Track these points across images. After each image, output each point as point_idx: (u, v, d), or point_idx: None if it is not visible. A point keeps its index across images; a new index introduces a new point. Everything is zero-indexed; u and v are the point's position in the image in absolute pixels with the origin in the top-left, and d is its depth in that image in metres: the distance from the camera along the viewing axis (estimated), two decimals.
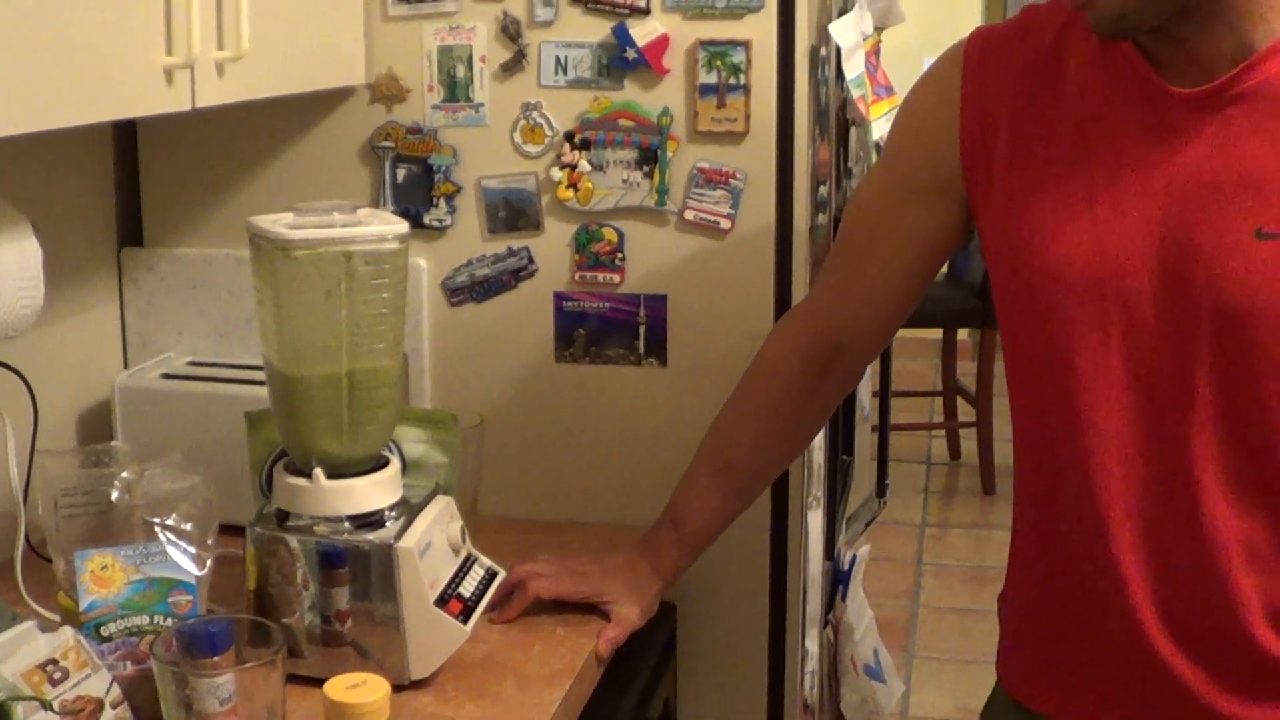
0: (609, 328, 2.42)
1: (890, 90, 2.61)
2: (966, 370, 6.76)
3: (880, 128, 2.49)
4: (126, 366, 2.58)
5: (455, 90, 2.41)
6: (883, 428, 3.14)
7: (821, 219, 2.44)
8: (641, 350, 2.42)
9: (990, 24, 1.89)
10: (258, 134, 2.49)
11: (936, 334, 6.72)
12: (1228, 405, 1.66)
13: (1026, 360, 1.82)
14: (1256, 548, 1.68)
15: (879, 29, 2.64)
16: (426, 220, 2.44)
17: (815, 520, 2.48)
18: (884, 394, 3.13)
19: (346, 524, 1.85)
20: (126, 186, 2.58)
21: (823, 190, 2.44)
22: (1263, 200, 1.61)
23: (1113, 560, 1.73)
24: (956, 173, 1.83)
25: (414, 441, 2.12)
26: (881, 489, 3.09)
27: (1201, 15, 1.62)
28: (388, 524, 1.86)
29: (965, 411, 6.63)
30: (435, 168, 2.43)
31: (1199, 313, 1.64)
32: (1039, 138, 1.76)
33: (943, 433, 6.93)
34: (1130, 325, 1.68)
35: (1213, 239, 1.62)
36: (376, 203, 2.44)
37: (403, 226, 1.86)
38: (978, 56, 1.85)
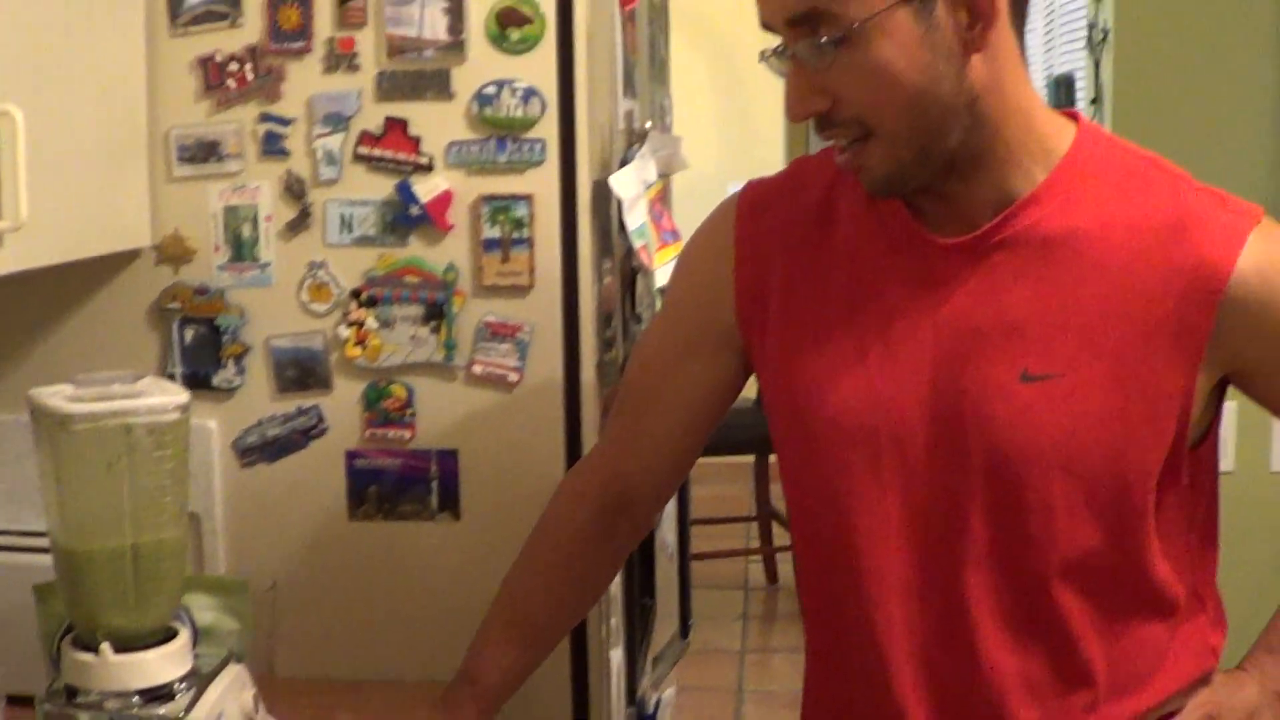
0: (401, 484, 2.41)
1: (676, 235, 2.64)
2: (780, 494, 6.78)
3: (665, 274, 2.52)
4: None
5: (241, 250, 2.40)
6: (683, 568, 3.15)
7: (610, 368, 2.46)
8: (434, 505, 2.41)
9: (762, 177, 1.93)
10: (42, 300, 2.46)
11: (750, 459, 6.77)
12: (1000, 544, 1.70)
13: (806, 506, 1.86)
14: (1035, 681, 1.72)
15: (664, 175, 2.68)
16: (215, 381, 2.42)
17: (616, 665, 2.48)
18: (683, 532, 3.14)
19: (136, 699, 1.81)
20: None
21: (610, 339, 2.47)
22: (1027, 344, 1.67)
23: (895, 697, 1.76)
24: (733, 326, 1.87)
25: (204, 609, 2.09)
26: (685, 629, 3.09)
27: (965, 169, 1.67)
28: (178, 697, 1.83)
29: (781, 535, 6.66)
30: (223, 328, 2.41)
31: (970, 456, 1.68)
32: (811, 289, 1.80)
33: (759, 557, 6.96)
34: (905, 470, 1.72)
35: (980, 383, 1.67)
36: (165, 365, 2.42)
37: (183, 397, 1.84)
38: (749, 210, 1.89)
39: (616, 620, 2.49)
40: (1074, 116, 1.79)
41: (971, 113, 1.65)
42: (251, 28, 2.37)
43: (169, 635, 1.88)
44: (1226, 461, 3.50)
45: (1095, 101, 5.84)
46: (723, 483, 6.85)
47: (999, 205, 1.70)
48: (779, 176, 1.93)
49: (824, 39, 1.59)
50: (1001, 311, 1.69)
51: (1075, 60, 6.32)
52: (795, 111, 1.66)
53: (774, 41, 1.68)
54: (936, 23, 1.60)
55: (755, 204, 1.90)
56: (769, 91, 8.10)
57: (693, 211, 2.02)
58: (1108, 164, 1.74)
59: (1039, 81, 7.16)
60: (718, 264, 1.88)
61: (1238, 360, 1.71)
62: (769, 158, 8.07)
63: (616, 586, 2.45)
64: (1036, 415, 1.66)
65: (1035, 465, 1.67)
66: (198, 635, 2.02)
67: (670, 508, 2.92)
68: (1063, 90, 6.06)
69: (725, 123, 8.09)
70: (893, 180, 1.67)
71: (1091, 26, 5.80)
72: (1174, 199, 1.71)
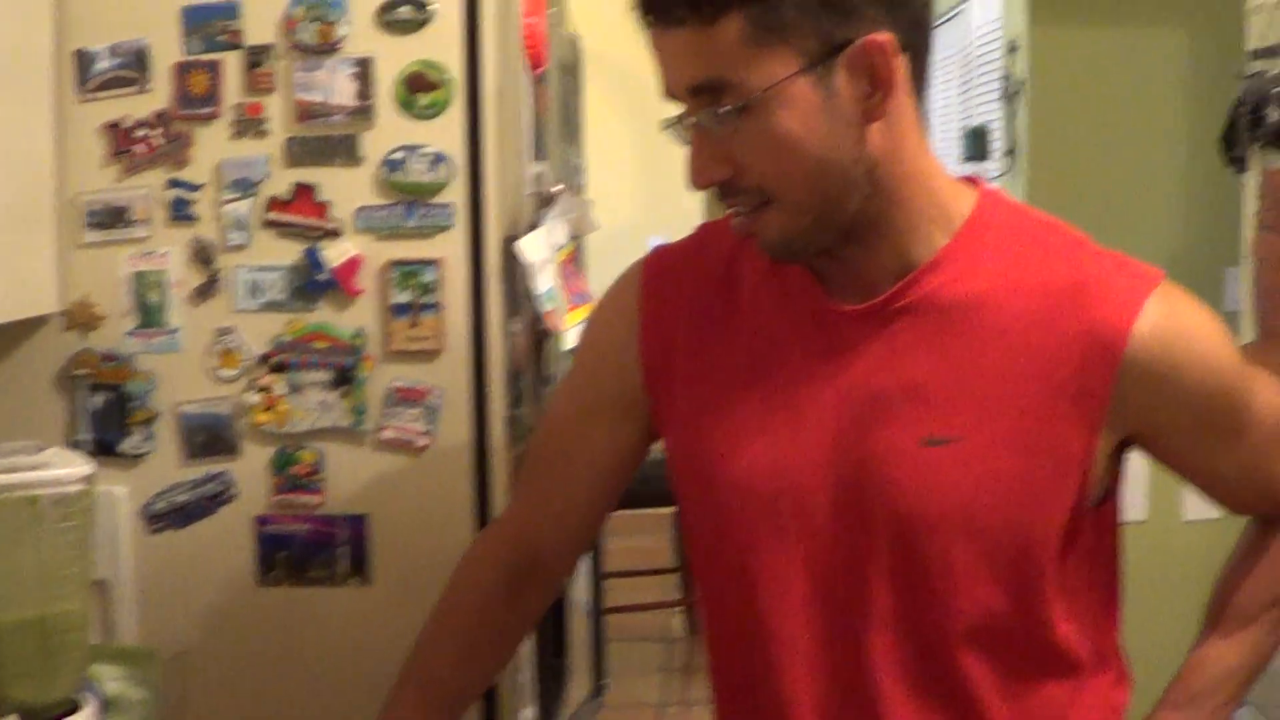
0: (311, 549, 2.40)
1: (586, 297, 2.65)
2: None
3: (575, 337, 2.53)
4: None
5: (150, 316, 2.39)
6: (596, 624, 3.15)
7: (520, 431, 2.46)
8: (344, 571, 2.40)
9: (668, 242, 1.94)
10: None
11: (669, 510, 6.76)
12: (903, 607, 1.71)
13: (711, 569, 1.87)
14: None
15: (574, 238, 2.69)
16: (124, 448, 2.41)
17: None
18: (596, 589, 3.14)
19: None
20: None
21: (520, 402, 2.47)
22: (929, 409, 1.68)
23: None
24: (639, 390, 1.87)
25: (112, 679, 2.07)
26: (599, 687, 3.09)
27: (865, 236, 1.69)
28: None
29: None
30: (131, 394, 2.40)
31: (873, 520, 1.70)
32: (716, 354, 1.81)
33: (680, 609, 6.95)
34: (809, 535, 1.73)
35: (883, 448, 1.68)
36: (72, 432, 2.40)
37: (87, 468, 1.84)
38: (655, 275, 1.90)
39: (526, 679, 2.48)
40: (974, 182, 1.81)
41: (870, 180, 1.66)
42: (160, 93, 2.37)
43: (74, 708, 1.87)
44: (1138, 511, 3.55)
45: (1010, 153, 5.90)
46: (642, 535, 6.83)
47: (900, 272, 1.71)
48: (685, 241, 1.94)
49: (725, 108, 1.60)
50: (903, 377, 1.70)
51: (990, 112, 6.39)
52: (697, 180, 1.66)
53: (679, 109, 1.68)
54: (836, 91, 1.61)
55: (661, 269, 1.90)
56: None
57: (612, 265, 2.03)
58: (1008, 230, 1.76)
59: (955, 133, 7.23)
60: (624, 328, 1.89)
61: (1138, 423, 1.72)
62: (688, 211, 8.06)
63: (527, 645, 2.45)
64: (938, 479, 1.67)
65: (937, 529, 1.68)
66: (105, 706, 2.00)
67: (584, 564, 2.92)
68: (977, 142, 6.12)
69: (644, 176, 8.11)
70: (790, 245, 1.68)
71: (1006, 79, 5.86)
72: (1073, 264, 1.73)
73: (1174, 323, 1.70)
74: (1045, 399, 1.67)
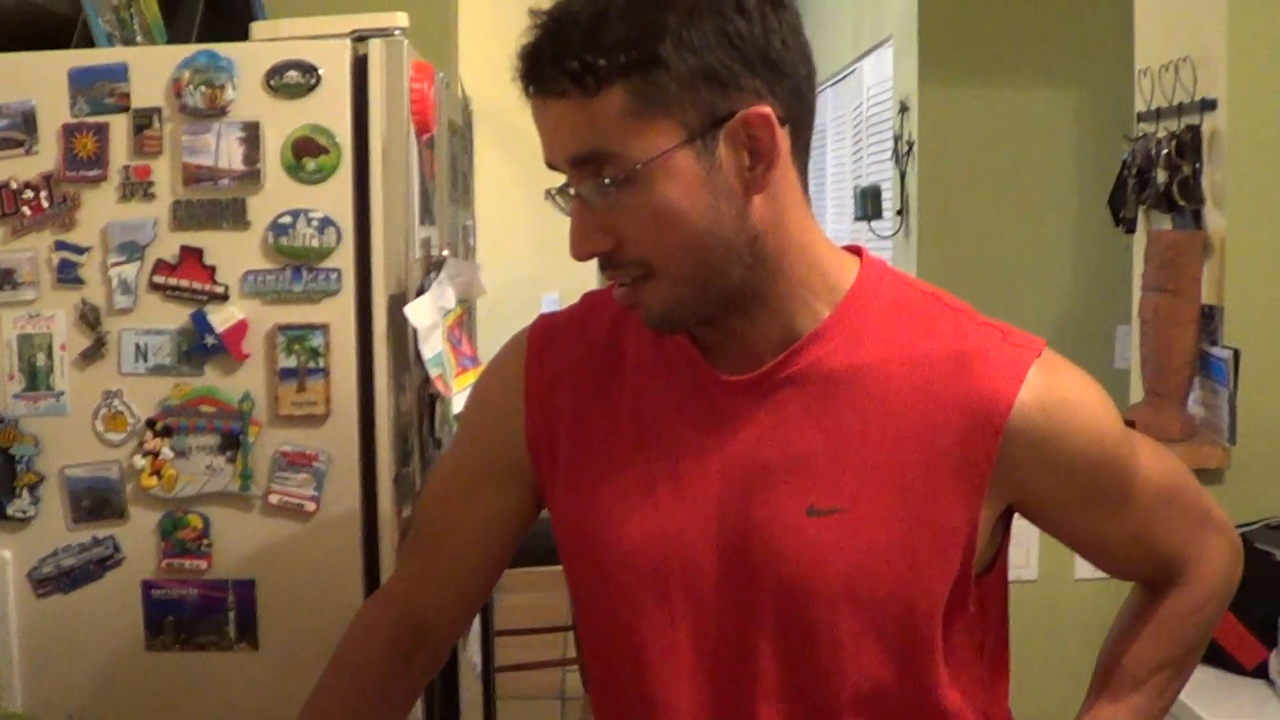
0: (199, 614, 2.40)
1: (475, 360, 2.66)
2: None
3: (464, 400, 2.53)
4: None
5: (36, 379, 2.38)
6: (487, 685, 3.14)
7: (408, 495, 2.46)
8: (233, 635, 2.39)
9: (553, 311, 1.94)
10: None
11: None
12: (791, 677, 1.71)
13: (598, 638, 1.86)
14: None
15: (463, 301, 2.69)
16: (10, 511, 2.39)
17: None
18: (487, 650, 3.14)
19: None
20: None
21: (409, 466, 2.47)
22: (813, 479, 1.68)
23: None
24: (524, 458, 1.87)
25: None
26: None
27: (748, 306, 1.69)
28: None
29: None
30: (17, 457, 2.39)
31: (759, 590, 1.69)
32: (600, 423, 1.81)
33: (576, 666, 6.92)
34: (695, 605, 1.73)
35: (768, 518, 1.68)
36: None
37: None
38: (539, 344, 1.89)
39: None
40: (858, 252, 1.82)
41: (753, 251, 1.66)
42: (47, 155, 2.37)
43: None
44: (1029, 571, 3.57)
45: (901, 212, 5.95)
46: (538, 591, 6.81)
47: (783, 342, 1.72)
48: (569, 310, 1.94)
49: (607, 179, 1.59)
50: (787, 447, 1.70)
51: (883, 171, 6.44)
52: (579, 251, 1.64)
53: (560, 179, 1.68)
54: (718, 164, 1.61)
55: (545, 338, 1.90)
56: None
57: (507, 321, 2.03)
58: (891, 300, 1.77)
59: (848, 192, 7.29)
60: (509, 397, 1.88)
61: (1022, 492, 1.73)
62: (583, 269, 8.11)
63: (417, 708, 2.44)
64: (823, 549, 1.67)
65: (823, 598, 1.68)
66: None
67: (475, 625, 2.92)
68: (870, 201, 6.17)
69: (539, 234, 8.11)
70: (672, 316, 1.68)
71: (897, 138, 5.92)
72: (956, 333, 1.74)
73: (1056, 392, 1.71)
74: (928, 469, 1.68)
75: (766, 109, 1.60)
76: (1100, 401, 1.76)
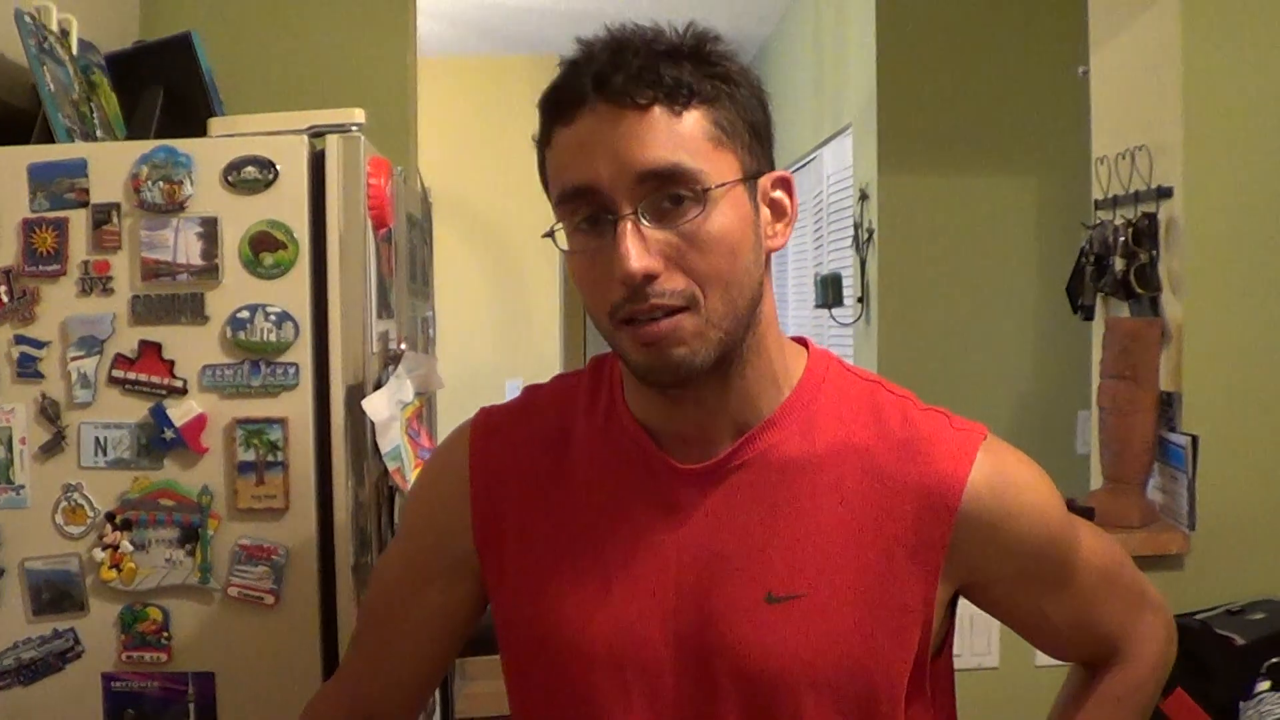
0: (159, 706, 2.39)
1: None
2: None
3: None
4: None
5: None
6: None
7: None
8: None
9: (495, 404, 1.94)
10: None
11: None
12: None
13: None
14: None
15: (421, 394, 2.70)
16: None
17: None
18: None
19: None
20: None
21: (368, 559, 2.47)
22: (769, 566, 1.69)
23: None
24: (470, 551, 1.86)
25: None
26: None
27: (729, 377, 1.70)
28: None
29: None
30: None
31: (718, 678, 1.69)
32: (550, 515, 1.80)
33: None
34: (653, 697, 1.72)
35: (725, 606, 1.69)
36: None
37: None
38: (483, 436, 1.89)
39: None
40: (804, 343, 1.85)
41: (754, 312, 1.69)
42: (6, 250, 2.38)
43: None
44: (991, 658, 3.58)
45: (862, 299, 5.98)
46: (498, 679, 6.78)
47: (738, 429, 1.74)
48: (512, 403, 1.94)
49: (684, 195, 1.60)
50: (743, 535, 1.71)
51: (843, 258, 6.47)
52: (639, 265, 1.59)
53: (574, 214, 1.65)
54: (757, 210, 1.67)
55: (489, 430, 1.90)
56: (546, 288, 8.23)
57: (471, 407, 2.02)
58: (838, 389, 1.79)
59: (808, 280, 7.32)
60: (453, 490, 1.87)
61: (974, 573, 1.75)
62: (546, 353, 8.15)
63: None
64: (781, 636, 1.68)
65: (783, 685, 1.68)
66: None
67: (437, 715, 2.91)
68: (830, 288, 6.20)
69: (502, 319, 8.16)
70: (694, 359, 1.63)
71: (857, 226, 5.95)
72: (903, 420, 1.76)
73: (1004, 474, 1.74)
74: (884, 553, 1.69)
75: (788, 174, 1.69)
76: (1044, 483, 1.80)
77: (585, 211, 1.63)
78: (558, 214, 1.68)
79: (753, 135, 1.66)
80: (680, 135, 1.60)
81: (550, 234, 1.71)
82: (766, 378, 1.74)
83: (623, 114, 1.60)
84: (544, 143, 1.69)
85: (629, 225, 1.59)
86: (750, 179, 1.66)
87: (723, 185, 1.61)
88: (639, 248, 1.59)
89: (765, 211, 1.69)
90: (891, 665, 1.71)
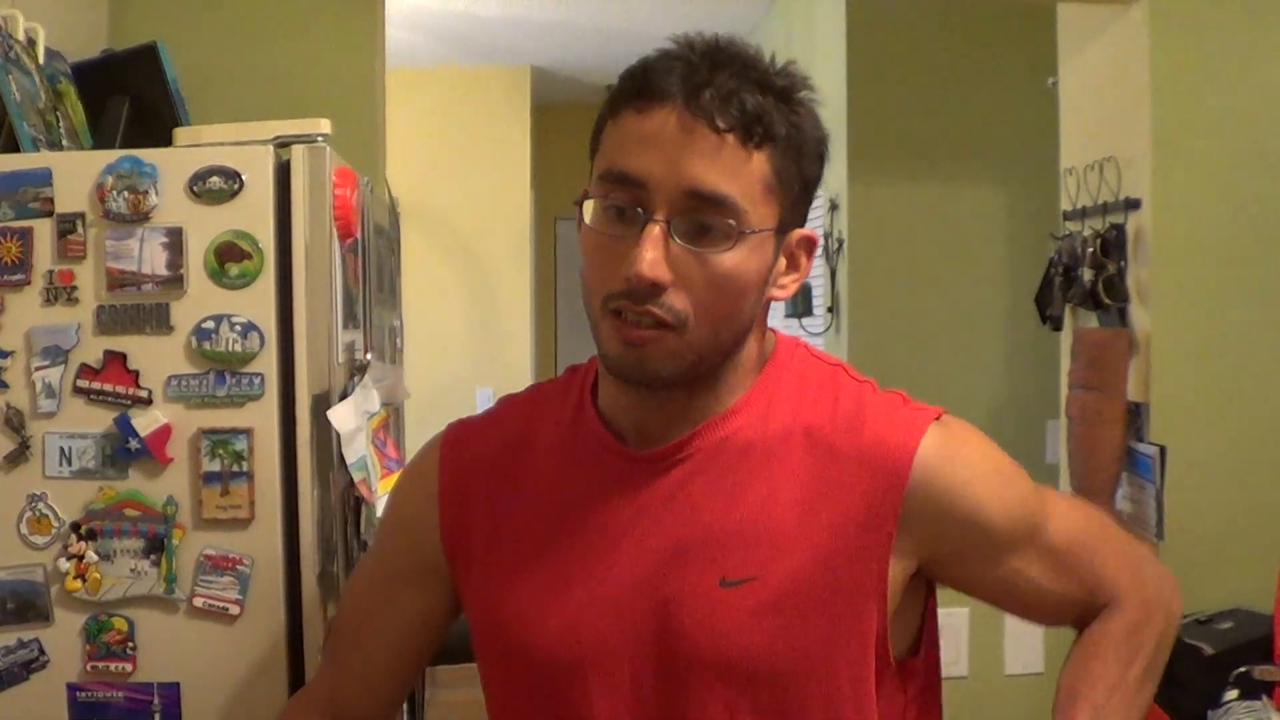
0: (124, 717, 2.37)
1: (400, 463, 2.67)
2: None
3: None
4: None
5: None
6: None
7: (333, 598, 2.46)
8: None
9: (467, 416, 1.96)
10: None
11: None
12: None
13: None
14: None
15: (387, 404, 2.70)
16: None
17: None
18: None
19: None
20: None
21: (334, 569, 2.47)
22: (724, 550, 1.70)
23: None
24: (440, 560, 1.88)
25: None
26: None
27: (698, 385, 1.73)
28: None
29: None
30: None
31: (675, 667, 1.70)
32: (514, 518, 1.82)
33: None
34: (613, 689, 1.73)
35: (681, 592, 1.70)
36: None
37: None
38: (452, 445, 1.92)
39: None
40: (775, 331, 1.87)
41: (738, 342, 1.73)
42: None
43: None
44: (960, 667, 3.59)
45: (832, 309, 5.99)
46: (471, 687, 6.76)
47: (698, 418, 1.76)
48: (484, 414, 1.96)
49: (718, 226, 1.62)
50: (699, 521, 1.72)
51: (813, 268, 6.47)
52: (649, 269, 1.60)
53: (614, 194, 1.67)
54: (776, 259, 1.71)
55: (458, 440, 1.92)
56: (516, 297, 8.23)
57: (442, 416, 2.04)
58: (799, 375, 1.81)
59: None
60: (423, 500, 1.90)
61: (928, 545, 1.74)
62: (516, 362, 8.15)
63: None
64: (735, 619, 1.68)
65: (740, 669, 1.69)
66: None
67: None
68: (800, 298, 6.20)
69: (473, 328, 8.15)
70: (663, 372, 1.67)
71: (827, 236, 5.96)
72: (857, 399, 1.78)
73: (955, 445, 1.76)
74: (836, 531, 1.70)
75: (815, 235, 1.73)
76: (999, 454, 1.82)
77: (618, 199, 1.65)
78: (594, 186, 1.69)
79: (801, 189, 1.70)
80: (741, 172, 1.62)
81: (580, 201, 1.72)
82: (736, 382, 1.77)
83: (698, 128, 1.61)
84: (610, 114, 1.70)
85: (657, 230, 1.61)
86: (781, 231, 1.69)
87: (759, 231, 1.65)
88: (657, 255, 1.61)
89: (782, 262, 1.73)
90: (849, 646, 1.71)
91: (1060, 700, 1.85)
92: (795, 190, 1.68)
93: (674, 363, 1.66)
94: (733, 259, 1.63)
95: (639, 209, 1.63)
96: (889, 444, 1.72)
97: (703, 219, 1.62)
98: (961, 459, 1.75)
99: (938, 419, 1.76)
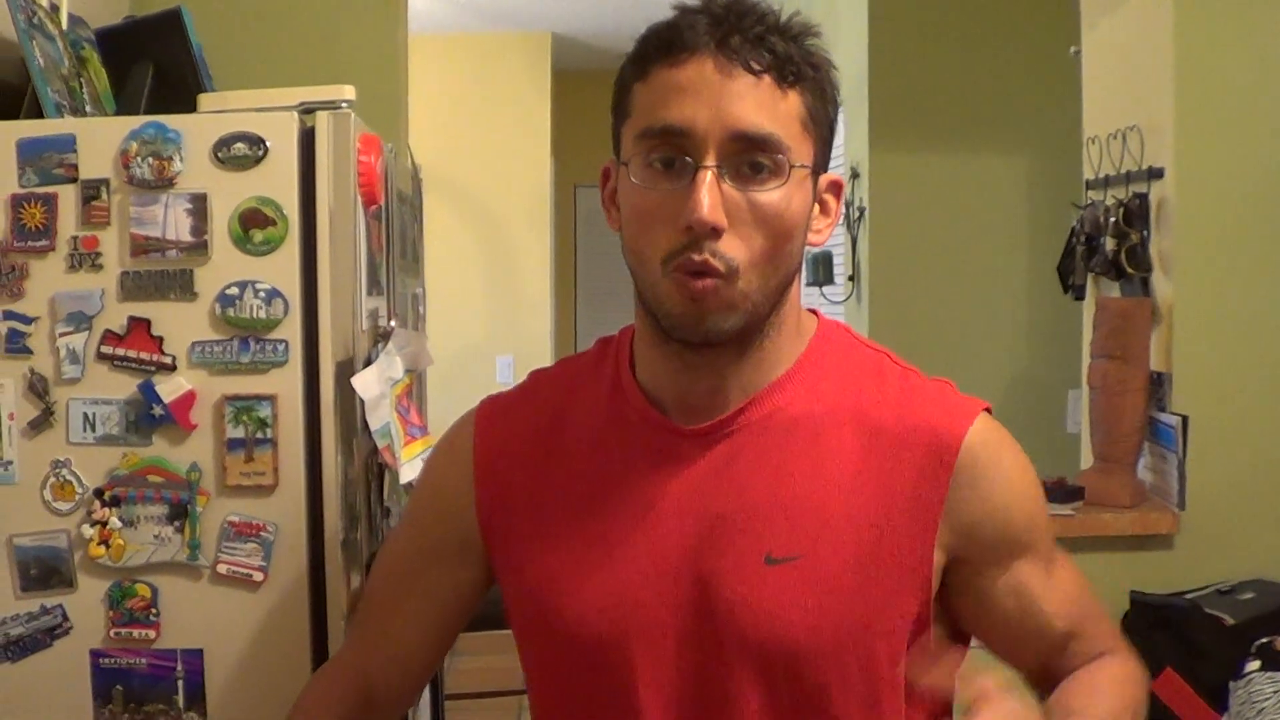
0: (147, 683, 2.39)
1: (424, 430, 2.67)
2: None
3: (413, 469, 2.54)
4: None
5: None
6: None
7: (357, 565, 2.46)
8: (181, 705, 2.38)
9: (500, 392, 1.96)
10: None
11: None
12: None
13: (556, 708, 1.86)
14: None
15: (410, 371, 2.70)
16: None
17: None
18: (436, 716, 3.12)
19: None
20: None
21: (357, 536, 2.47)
22: (770, 527, 1.70)
23: None
24: (475, 534, 1.87)
25: None
26: None
27: (747, 346, 1.73)
28: None
29: None
30: None
31: (721, 642, 1.70)
32: (553, 491, 1.81)
33: None
34: (656, 663, 1.73)
35: (725, 568, 1.70)
36: None
37: None
38: (487, 421, 1.91)
39: None
40: (814, 312, 1.87)
41: (785, 291, 1.72)
42: None
43: None
44: None
45: (853, 278, 5.98)
46: (490, 655, 6.78)
47: (746, 398, 1.75)
48: (516, 389, 1.96)
49: (767, 164, 1.63)
50: (744, 496, 1.72)
51: (834, 236, 6.45)
52: (711, 215, 1.61)
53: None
54: (813, 201, 1.71)
55: (493, 415, 1.92)
56: (537, 264, 8.23)
57: (462, 384, 2.04)
58: (844, 355, 1.81)
59: None
60: (458, 475, 1.89)
61: (960, 539, 1.74)
62: (536, 329, 8.15)
63: None
64: (781, 597, 1.68)
65: (783, 647, 1.68)
66: None
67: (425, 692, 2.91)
68: (821, 266, 6.20)
69: (493, 295, 8.14)
70: (726, 321, 1.66)
71: (849, 205, 5.95)
72: (905, 384, 1.78)
73: (1001, 436, 1.77)
74: (881, 512, 1.71)
75: (840, 178, 1.75)
76: (1031, 467, 1.82)
77: (664, 152, 1.65)
78: (632, 147, 1.69)
79: (829, 130, 1.72)
80: (781, 109, 1.64)
81: (608, 169, 1.75)
82: (780, 350, 1.77)
83: (734, 72, 1.63)
84: (637, 76, 1.70)
85: (710, 175, 1.62)
86: (816, 171, 1.70)
87: (803, 167, 1.66)
88: (715, 198, 1.61)
89: (815, 208, 1.73)
90: (891, 626, 1.72)
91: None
92: (825, 130, 1.71)
93: (731, 315, 1.66)
94: (782, 196, 1.64)
95: (687, 158, 1.63)
96: (938, 428, 1.73)
97: (748, 159, 1.63)
98: (1006, 450, 1.77)
99: (984, 411, 1.77)
